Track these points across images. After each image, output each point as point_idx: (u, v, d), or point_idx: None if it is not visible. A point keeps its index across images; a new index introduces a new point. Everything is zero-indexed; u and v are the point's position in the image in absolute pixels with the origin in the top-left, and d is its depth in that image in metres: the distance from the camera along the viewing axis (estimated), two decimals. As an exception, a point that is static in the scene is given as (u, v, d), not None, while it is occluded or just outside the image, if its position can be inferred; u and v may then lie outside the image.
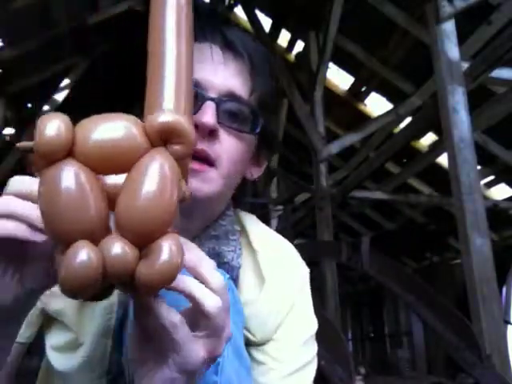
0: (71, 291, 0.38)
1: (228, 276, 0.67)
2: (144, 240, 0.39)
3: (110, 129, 0.39)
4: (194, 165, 0.66)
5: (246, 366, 0.66)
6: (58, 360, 0.75)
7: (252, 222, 0.81)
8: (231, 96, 0.71)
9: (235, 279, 0.75)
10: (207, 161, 0.67)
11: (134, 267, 0.38)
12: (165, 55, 0.48)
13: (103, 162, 0.39)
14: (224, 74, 0.71)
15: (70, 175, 0.37)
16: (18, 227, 0.45)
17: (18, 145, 0.40)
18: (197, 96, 0.69)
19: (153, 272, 0.38)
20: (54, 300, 0.74)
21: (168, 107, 0.44)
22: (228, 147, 0.70)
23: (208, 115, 0.67)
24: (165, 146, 0.41)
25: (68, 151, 0.38)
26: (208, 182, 0.68)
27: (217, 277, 0.47)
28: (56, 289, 0.70)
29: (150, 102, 0.45)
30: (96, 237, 0.38)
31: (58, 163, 0.38)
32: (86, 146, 0.38)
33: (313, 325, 0.78)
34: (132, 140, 0.39)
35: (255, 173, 0.81)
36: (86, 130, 0.39)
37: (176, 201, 0.40)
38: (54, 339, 0.76)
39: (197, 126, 0.66)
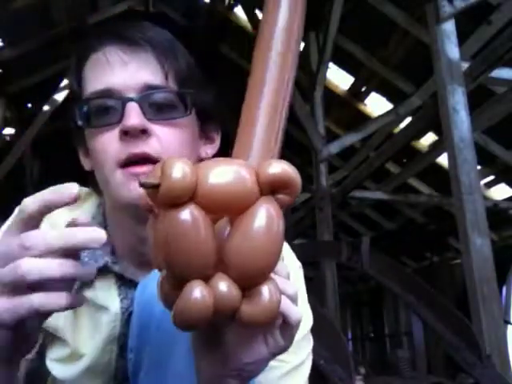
0: (185, 324, 0.42)
1: None
2: (249, 281, 0.43)
3: (228, 174, 0.42)
4: (136, 168, 0.66)
5: None
6: (59, 370, 0.75)
7: None
8: (148, 88, 0.68)
9: None
10: (150, 160, 0.66)
11: (239, 305, 0.43)
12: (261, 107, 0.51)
13: (218, 205, 0.42)
14: (132, 71, 0.69)
15: (192, 220, 0.40)
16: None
17: (142, 181, 0.42)
18: (115, 102, 0.67)
19: (256, 313, 0.43)
20: (51, 317, 0.75)
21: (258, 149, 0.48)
22: (166, 139, 0.68)
23: (133, 117, 0.65)
24: (272, 195, 0.44)
25: (191, 196, 0.41)
26: None
27: (295, 292, 0.50)
28: None
29: (242, 141, 0.48)
30: (207, 276, 0.42)
31: (182, 207, 0.40)
32: (205, 190, 0.41)
33: (309, 319, 0.78)
34: (247, 187, 0.42)
35: (210, 150, 0.79)
36: (206, 173, 0.41)
37: (281, 250, 0.43)
38: (55, 353, 0.77)
39: (126, 132, 0.65)
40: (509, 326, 5.65)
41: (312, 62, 4.76)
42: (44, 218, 0.55)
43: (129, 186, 0.66)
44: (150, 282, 0.62)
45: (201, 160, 0.75)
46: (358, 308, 9.78)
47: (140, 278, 0.71)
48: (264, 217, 0.42)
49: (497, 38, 2.91)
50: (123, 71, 0.68)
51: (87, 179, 0.77)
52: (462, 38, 3.14)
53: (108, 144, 0.67)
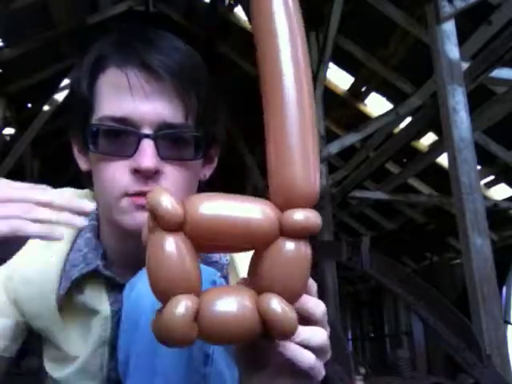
0: (164, 339, 0.44)
1: (219, 274, 0.67)
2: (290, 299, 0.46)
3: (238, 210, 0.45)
4: (140, 200, 0.65)
5: None
6: (54, 370, 0.78)
7: None
8: (166, 127, 0.66)
9: (226, 277, 0.76)
10: None
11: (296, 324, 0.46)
12: (289, 112, 0.47)
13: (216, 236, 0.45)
14: (153, 105, 0.66)
15: (172, 245, 0.44)
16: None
17: (149, 199, 0.45)
18: (130, 135, 0.66)
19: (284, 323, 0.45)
20: (38, 320, 0.76)
21: (296, 166, 0.47)
22: (174, 179, 0.67)
23: (148, 157, 0.64)
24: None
25: (179, 227, 0.44)
26: None
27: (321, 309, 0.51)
28: (37, 310, 0.75)
29: (277, 164, 0.47)
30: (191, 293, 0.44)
31: (169, 233, 0.44)
32: (196, 221, 0.44)
33: None
34: (268, 225, 0.46)
35: (208, 171, 0.79)
36: (200, 209, 0.45)
37: (307, 279, 0.47)
38: (50, 354, 0.80)
39: (139, 171, 0.65)
40: (509, 326, 5.65)
41: (312, 61, 4.75)
42: None
43: (133, 215, 0.66)
44: (137, 281, 0.62)
45: (199, 182, 0.76)
46: (358, 308, 9.78)
47: (127, 281, 0.71)
48: (291, 249, 0.45)
49: (497, 38, 2.91)
50: (144, 103, 0.66)
51: (85, 179, 0.77)
52: (462, 38, 3.14)
53: (117, 175, 0.66)
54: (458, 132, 2.68)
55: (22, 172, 5.92)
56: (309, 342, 0.49)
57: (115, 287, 0.74)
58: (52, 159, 6.13)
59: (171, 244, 0.43)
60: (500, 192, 5.61)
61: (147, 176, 0.65)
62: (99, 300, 0.74)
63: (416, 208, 6.58)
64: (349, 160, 5.81)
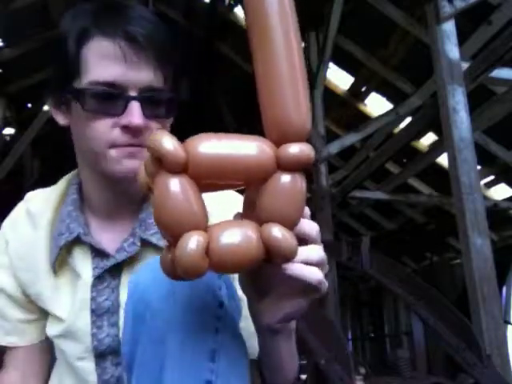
0: (185, 272, 0.47)
1: None
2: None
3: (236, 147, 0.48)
4: (130, 149, 0.76)
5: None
6: (48, 328, 0.87)
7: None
8: (150, 90, 0.77)
9: None
10: (141, 146, 0.76)
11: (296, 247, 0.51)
12: (277, 55, 0.50)
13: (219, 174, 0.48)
14: (139, 71, 0.76)
15: (177, 185, 0.46)
16: None
17: (151, 141, 0.47)
18: (119, 96, 0.76)
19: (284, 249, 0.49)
20: (31, 288, 0.87)
21: (288, 102, 0.49)
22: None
23: (136, 116, 0.75)
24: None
25: (184, 167, 0.47)
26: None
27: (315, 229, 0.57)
28: (31, 278, 0.86)
29: (269, 102, 0.50)
30: (199, 229, 0.47)
31: (174, 174, 0.46)
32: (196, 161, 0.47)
33: None
34: (264, 163, 0.49)
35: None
36: (201, 148, 0.47)
37: (303, 208, 0.52)
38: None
39: (128, 127, 0.75)
40: (509, 326, 5.65)
41: (312, 61, 4.75)
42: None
43: (121, 163, 0.77)
44: (142, 274, 0.65)
45: None
46: (358, 308, 9.78)
47: (111, 249, 0.82)
48: (288, 181, 0.49)
49: (497, 38, 2.91)
50: (130, 69, 0.76)
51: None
52: (462, 38, 3.14)
53: (106, 129, 0.76)
54: (458, 132, 2.68)
55: (22, 172, 5.92)
56: (309, 259, 0.55)
57: (99, 255, 0.83)
58: (52, 159, 6.12)
59: (176, 184, 0.46)
60: (500, 192, 5.61)
61: (135, 131, 0.76)
62: (83, 265, 0.83)
63: (416, 208, 6.58)
64: (349, 160, 5.81)
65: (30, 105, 5.96)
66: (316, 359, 2.26)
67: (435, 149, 5.08)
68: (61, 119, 0.85)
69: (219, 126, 6.28)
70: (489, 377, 2.20)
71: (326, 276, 0.56)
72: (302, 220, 0.54)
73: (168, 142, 0.45)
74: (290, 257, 0.50)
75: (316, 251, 0.56)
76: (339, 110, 5.79)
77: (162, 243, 0.79)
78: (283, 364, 0.68)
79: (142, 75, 0.76)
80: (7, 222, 0.92)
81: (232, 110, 6.11)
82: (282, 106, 0.49)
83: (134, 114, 0.75)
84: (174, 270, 0.48)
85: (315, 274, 0.54)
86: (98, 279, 0.82)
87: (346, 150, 4.78)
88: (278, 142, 0.49)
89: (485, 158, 4.78)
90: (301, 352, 0.77)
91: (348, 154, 5.58)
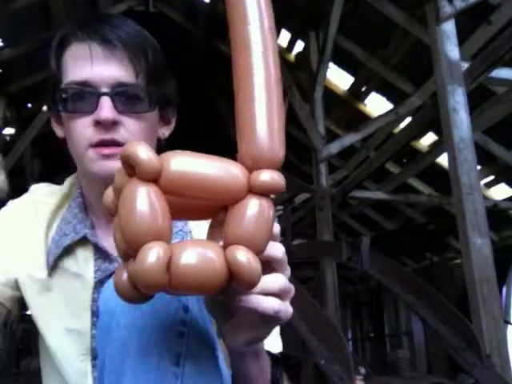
0: (143, 285, 0.45)
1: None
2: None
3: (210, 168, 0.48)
4: (105, 150, 0.77)
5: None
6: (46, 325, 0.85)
7: None
8: (121, 86, 0.79)
9: None
10: (117, 144, 0.78)
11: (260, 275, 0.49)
12: (253, 75, 0.52)
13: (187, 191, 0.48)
14: (109, 68, 0.79)
15: (144, 193, 0.46)
16: None
17: (125, 148, 0.46)
18: (91, 94, 0.78)
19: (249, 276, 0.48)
20: (27, 288, 0.85)
21: (262, 132, 0.51)
22: (133, 129, 0.79)
23: (106, 110, 0.77)
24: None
25: (155, 178, 0.46)
26: None
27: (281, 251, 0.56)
28: (26, 278, 0.85)
29: (245, 131, 0.51)
30: (163, 240, 0.46)
31: (140, 182, 0.46)
32: (168, 176, 0.47)
33: None
34: (235, 183, 0.49)
35: (166, 131, 0.91)
36: (175, 162, 0.47)
37: (271, 234, 0.50)
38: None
39: (99, 122, 0.77)
40: (509, 326, 5.65)
41: (312, 61, 4.76)
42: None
43: (99, 164, 0.78)
44: (106, 287, 0.65)
45: (158, 140, 0.89)
46: (357, 308, 9.78)
47: (114, 253, 0.81)
48: (259, 208, 0.48)
49: (497, 38, 2.91)
50: (101, 68, 0.79)
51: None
52: (462, 38, 3.14)
53: (83, 128, 0.79)
54: (457, 132, 2.68)
55: (22, 172, 5.92)
56: (267, 289, 0.53)
57: (101, 257, 0.84)
58: (52, 159, 6.12)
59: (144, 192, 0.46)
60: (500, 192, 5.61)
61: (107, 126, 0.77)
62: (85, 266, 0.84)
63: (416, 208, 6.58)
64: (349, 160, 5.81)
65: (29, 105, 5.96)
66: (316, 359, 2.26)
67: (435, 149, 5.08)
68: (58, 131, 0.88)
69: (219, 126, 6.28)
70: (489, 377, 2.21)
71: (291, 303, 0.55)
72: (269, 243, 0.52)
73: (143, 150, 0.45)
74: (252, 283, 0.48)
75: (274, 280, 0.54)
76: (339, 110, 5.79)
77: None
78: (253, 382, 0.67)
79: (112, 71, 0.79)
80: (9, 206, 0.92)
81: (232, 110, 6.10)
82: (256, 135, 0.51)
83: (104, 108, 0.77)
84: (129, 288, 0.47)
85: (272, 304, 0.52)
86: (99, 281, 0.83)
87: (346, 150, 4.78)
88: (251, 168, 0.50)
89: (485, 158, 4.78)
90: (289, 357, 0.78)
91: (348, 154, 5.58)
